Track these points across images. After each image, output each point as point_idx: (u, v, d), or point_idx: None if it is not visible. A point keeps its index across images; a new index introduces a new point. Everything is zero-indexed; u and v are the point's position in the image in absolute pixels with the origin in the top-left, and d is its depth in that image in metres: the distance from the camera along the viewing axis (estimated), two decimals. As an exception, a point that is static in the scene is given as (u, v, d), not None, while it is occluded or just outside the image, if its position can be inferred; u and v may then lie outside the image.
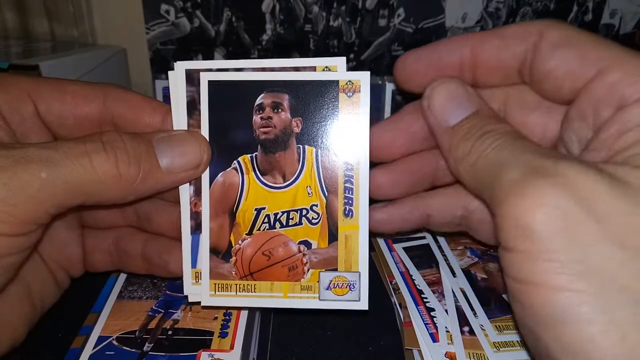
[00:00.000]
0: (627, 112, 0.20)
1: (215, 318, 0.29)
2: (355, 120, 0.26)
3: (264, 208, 0.27)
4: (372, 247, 0.35)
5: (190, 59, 0.55)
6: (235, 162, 0.27)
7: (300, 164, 0.27)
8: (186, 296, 0.28)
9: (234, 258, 0.27)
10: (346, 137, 0.26)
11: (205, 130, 0.26)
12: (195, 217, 0.27)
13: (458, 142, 0.24)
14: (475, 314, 0.30)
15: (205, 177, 0.27)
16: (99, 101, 0.26)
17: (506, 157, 0.21)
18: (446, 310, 0.30)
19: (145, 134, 0.25)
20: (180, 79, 0.26)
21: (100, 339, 0.28)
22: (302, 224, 0.27)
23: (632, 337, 0.17)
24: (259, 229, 0.27)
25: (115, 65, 0.51)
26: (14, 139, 0.25)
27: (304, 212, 0.27)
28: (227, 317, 0.29)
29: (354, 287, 0.27)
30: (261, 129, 0.26)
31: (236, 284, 0.27)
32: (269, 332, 0.30)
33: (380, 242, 0.36)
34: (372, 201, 0.27)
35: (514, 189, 0.19)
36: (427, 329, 0.29)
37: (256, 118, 0.26)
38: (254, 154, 0.27)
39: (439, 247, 0.36)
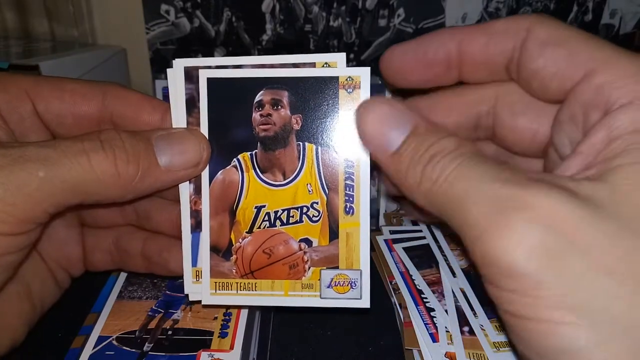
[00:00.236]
0: (614, 117, 0.19)
1: (215, 318, 0.29)
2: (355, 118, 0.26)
3: (264, 206, 0.27)
4: (372, 247, 0.35)
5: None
6: (235, 159, 0.27)
7: (301, 161, 0.26)
8: (187, 295, 0.28)
9: (234, 256, 0.27)
10: (346, 133, 0.26)
11: (204, 128, 0.26)
12: (195, 215, 0.27)
13: (405, 170, 0.22)
14: (475, 314, 0.30)
15: (205, 175, 0.26)
16: (97, 99, 0.26)
17: (466, 188, 0.19)
18: (446, 310, 0.30)
19: (144, 132, 0.25)
20: (179, 77, 0.26)
21: (100, 339, 0.28)
22: (302, 221, 0.27)
23: None
24: (259, 227, 0.27)
25: (115, 65, 0.51)
26: (12, 138, 0.25)
27: (305, 209, 0.27)
28: (227, 317, 0.29)
29: (356, 285, 0.26)
30: (261, 126, 0.26)
31: (237, 283, 0.27)
32: (269, 332, 0.30)
33: (380, 242, 0.36)
34: (373, 201, 0.27)
35: (486, 227, 0.18)
36: (427, 329, 0.29)
37: (256, 115, 0.26)
38: (253, 152, 0.27)
39: (439, 247, 0.36)
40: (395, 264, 0.34)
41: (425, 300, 0.31)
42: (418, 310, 0.30)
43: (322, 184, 0.26)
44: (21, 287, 0.26)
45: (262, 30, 0.54)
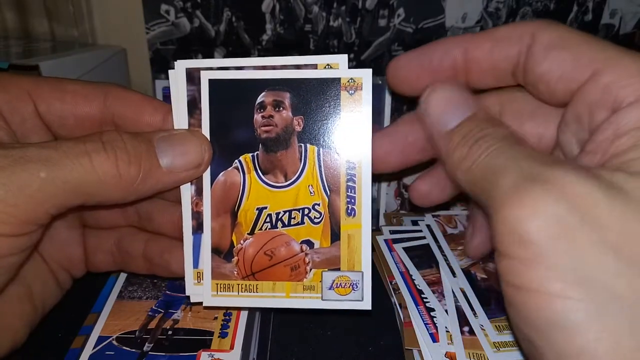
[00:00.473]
0: (622, 115, 0.20)
1: (215, 318, 0.29)
2: (358, 118, 0.26)
3: (265, 207, 0.27)
4: (372, 247, 0.35)
5: (190, 59, 0.55)
6: (236, 161, 0.27)
7: (302, 162, 0.26)
8: (188, 296, 0.28)
9: (235, 258, 0.27)
10: (348, 135, 0.26)
11: (206, 129, 0.26)
12: (197, 216, 0.27)
13: (454, 147, 0.23)
14: (475, 314, 0.30)
15: (207, 176, 0.26)
16: (99, 100, 0.26)
17: (501, 163, 0.20)
18: (446, 310, 0.30)
19: (146, 134, 0.25)
20: (180, 78, 0.26)
21: (100, 339, 0.28)
22: (304, 223, 0.27)
23: (625, 344, 0.16)
24: (260, 229, 0.27)
25: (115, 65, 0.51)
26: (14, 139, 0.25)
27: (306, 211, 0.27)
28: (227, 317, 0.29)
29: (357, 286, 0.26)
30: (262, 128, 0.26)
31: (238, 284, 0.27)
32: (269, 332, 0.30)
33: (380, 242, 0.36)
34: (373, 201, 0.27)
35: (509, 195, 0.19)
36: (427, 329, 0.29)
37: (257, 117, 0.26)
38: (255, 153, 0.26)
39: (439, 247, 0.36)
40: (395, 264, 0.34)
41: (425, 300, 0.31)
42: (418, 310, 0.30)
43: (323, 185, 0.26)
44: (22, 289, 0.26)
45: (262, 30, 0.54)
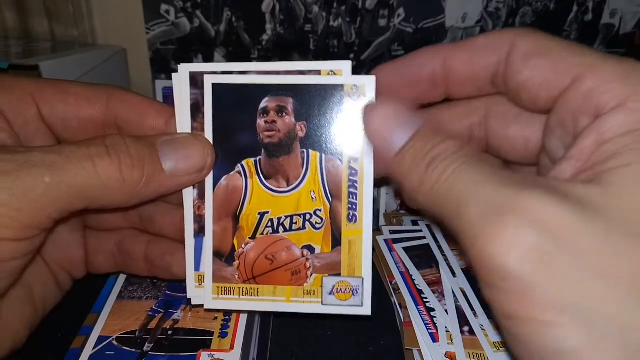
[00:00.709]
0: (604, 121, 0.20)
1: (215, 318, 0.29)
2: (360, 125, 0.26)
3: (267, 212, 0.27)
4: (373, 248, 0.35)
5: (190, 59, 0.55)
6: (239, 165, 0.27)
7: (304, 168, 0.26)
8: (189, 299, 0.28)
9: (237, 262, 0.27)
10: (351, 142, 0.26)
11: (209, 133, 0.26)
12: (199, 220, 0.27)
13: (408, 170, 0.22)
14: (475, 314, 0.30)
15: (209, 180, 0.26)
16: (102, 103, 0.26)
17: (464, 189, 0.19)
18: (446, 310, 0.30)
19: (149, 137, 0.25)
20: (184, 82, 0.26)
21: (100, 339, 0.28)
22: (305, 228, 0.27)
23: None
24: (262, 233, 0.27)
25: (115, 65, 0.51)
26: (17, 141, 0.25)
27: (308, 216, 0.27)
28: (227, 317, 0.29)
29: (357, 292, 0.27)
30: (265, 133, 0.26)
31: (239, 288, 0.27)
32: (269, 332, 0.30)
33: (381, 242, 0.36)
34: (373, 201, 0.27)
35: (480, 229, 0.18)
36: (427, 329, 0.29)
37: (260, 122, 0.26)
38: (257, 158, 0.26)
39: (439, 247, 0.36)
40: (395, 264, 0.34)
41: (425, 300, 0.31)
42: (418, 310, 0.30)
43: (325, 191, 0.26)
44: (23, 290, 0.26)
45: (262, 30, 0.54)
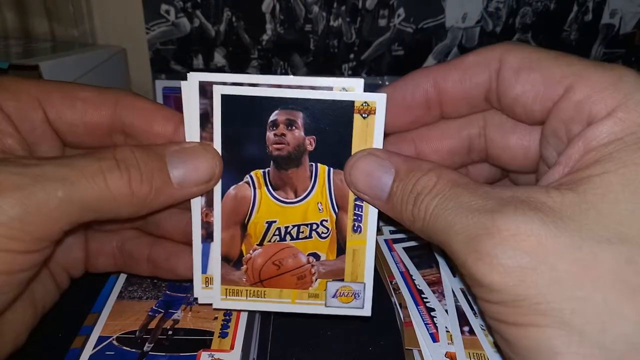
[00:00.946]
0: (592, 130, 0.20)
1: (215, 318, 0.29)
2: (369, 142, 0.26)
3: (275, 221, 0.27)
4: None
5: (191, 59, 0.55)
6: (247, 176, 0.27)
7: (312, 181, 0.27)
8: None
9: (244, 266, 0.28)
10: None
11: (217, 144, 0.26)
12: (206, 226, 0.27)
13: (399, 212, 0.24)
14: (475, 313, 0.30)
15: (218, 189, 0.27)
16: (109, 109, 0.26)
17: (446, 223, 0.21)
18: (446, 310, 0.30)
19: (158, 148, 0.25)
20: (193, 91, 0.25)
21: (100, 339, 0.28)
22: (311, 237, 0.27)
23: None
24: (269, 241, 0.28)
25: (115, 65, 0.51)
26: (25, 146, 0.25)
27: (314, 226, 0.27)
28: (227, 317, 0.29)
29: (359, 296, 0.28)
30: (274, 146, 0.26)
31: (246, 290, 0.28)
32: (269, 332, 0.30)
33: (381, 242, 0.36)
34: (380, 217, 0.27)
35: (466, 255, 0.20)
36: (427, 329, 0.29)
37: (269, 134, 0.26)
38: (266, 170, 0.27)
39: (440, 249, 0.36)
40: (396, 264, 0.34)
41: (425, 300, 0.31)
42: (418, 310, 0.30)
43: (332, 203, 0.27)
44: (25, 295, 0.26)
45: (262, 30, 0.54)
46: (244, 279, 0.28)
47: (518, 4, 0.55)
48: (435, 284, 0.32)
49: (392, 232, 0.37)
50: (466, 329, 0.29)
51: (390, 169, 0.25)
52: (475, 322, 0.29)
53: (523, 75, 0.23)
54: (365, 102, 0.25)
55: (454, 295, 0.31)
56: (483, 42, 0.56)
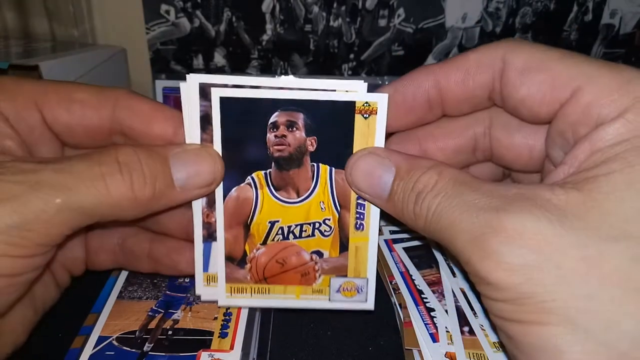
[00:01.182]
0: (600, 131, 0.20)
1: (215, 318, 0.29)
2: (371, 142, 0.26)
3: (277, 221, 0.27)
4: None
5: (191, 59, 0.55)
6: (249, 177, 0.27)
7: (314, 181, 0.27)
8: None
9: (248, 265, 0.28)
10: None
11: (218, 146, 0.26)
12: (208, 227, 0.27)
13: (400, 211, 0.24)
14: (475, 314, 0.30)
15: (219, 191, 0.27)
16: (108, 111, 0.26)
17: (450, 222, 0.21)
18: (446, 310, 0.30)
19: (161, 149, 0.25)
20: (193, 92, 0.25)
21: (100, 339, 0.28)
22: (314, 235, 0.28)
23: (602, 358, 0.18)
24: (272, 240, 0.28)
25: (115, 65, 0.51)
26: (24, 148, 0.25)
27: (317, 225, 0.28)
28: (227, 317, 0.29)
29: (362, 290, 0.28)
30: (275, 147, 0.26)
31: (251, 287, 0.28)
32: (269, 332, 0.30)
33: (381, 242, 0.36)
34: (382, 216, 0.27)
35: (471, 253, 0.20)
36: (427, 329, 0.29)
37: (270, 136, 0.26)
38: (267, 171, 0.27)
39: (439, 247, 0.36)
40: (395, 264, 0.34)
41: (425, 300, 0.31)
42: (418, 310, 0.30)
43: (334, 202, 0.27)
44: (26, 295, 0.26)
45: (262, 30, 0.54)
46: (249, 277, 0.28)
47: (518, 4, 0.55)
48: (435, 284, 0.32)
49: (392, 232, 0.37)
50: (466, 329, 0.29)
51: (390, 168, 0.24)
52: (475, 322, 0.29)
53: (528, 76, 0.23)
54: (367, 103, 0.25)
55: (454, 296, 0.31)
56: (483, 42, 0.56)
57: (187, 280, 0.32)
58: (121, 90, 0.27)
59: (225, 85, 0.25)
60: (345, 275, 0.28)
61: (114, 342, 0.28)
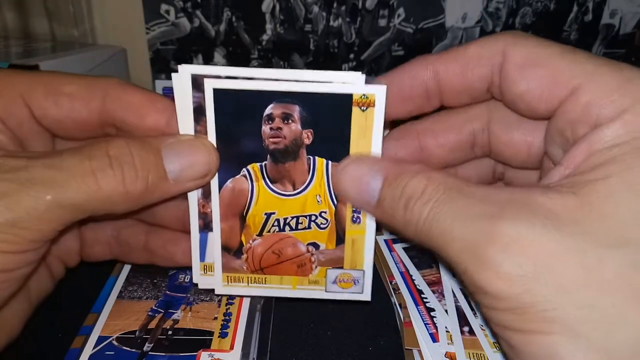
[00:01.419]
0: (598, 132, 0.20)
1: (215, 318, 0.29)
2: (368, 135, 0.25)
3: (273, 213, 0.27)
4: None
5: (191, 58, 0.55)
6: (244, 169, 0.27)
7: (310, 174, 0.27)
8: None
9: (245, 255, 0.28)
10: (356, 149, 0.26)
11: (212, 138, 0.26)
12: (204, 217, 0.27)
13: (389, 217, 0.23)
14: (475, 313, 0.30)
15: (214, 183, 0.27)
16: (97, 104, 0.25)
17: (442, 230, 0.21)
18: (446, 310, 0.30)
19: (153, 141, 0.24)
20: (185, 83, 0.25)
21: (100, 339, 0.28)
22: (311, 228, 0.28)
23: None
24: (269, 231, 0.28)
25: (115, 65, 0.51)
26: (16, 141, 0.25)
27: (313, 217, 0.27)
28: (227, 317, 0.29)
29: (358, 282, 0.28)
30: (271, 139, 0.26)
31: (248, 277, 0.29)
32: (269, 332, 0.30)
33: (380, 242, 0.36)
34: None
35: (468, 263, 0.20)
36: (427, 329, 0.29)
37: (265, 128, 0.26)
38: (263, 163, 0.26)
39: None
40: (395, 264, 0.34)
41: (425, 300, 0.31)
42: (418, 310, 0.30)
43: (331, 195, 0.27)
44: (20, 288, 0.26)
45: (262, 30, 0.54)
46: (245, 267, 0.28)
47: (518, 4, 0.55)
48: (435, 284, 0.32)
49: (392, 232, 0.37)
50: (466, 329, 0.29)
51: (378, 174, 0.24)
52: (475, 322, 0.29)
53: (529, 72, 0.22)
54: (364, 95, 0.25)
55: (454, 295, 0.31)
56: (483, 42, 0.56)
57: (187, 280, 0.32)
58: (112, 80, 0.26)
59: (219, 76, 0.24)
60: (342, 267, 0.28)
61: (114, 342, 0.28)
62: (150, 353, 0.27)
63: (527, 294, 0.18)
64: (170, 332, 0.28)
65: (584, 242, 0.18)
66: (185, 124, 0.25)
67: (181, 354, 0.27)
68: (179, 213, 0.28)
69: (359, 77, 0.25)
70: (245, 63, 0.56)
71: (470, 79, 0.25)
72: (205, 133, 0.26)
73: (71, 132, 0.26)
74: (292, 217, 0.27)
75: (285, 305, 0.31)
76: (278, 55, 0.55)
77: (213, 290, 0.29)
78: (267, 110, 0.25)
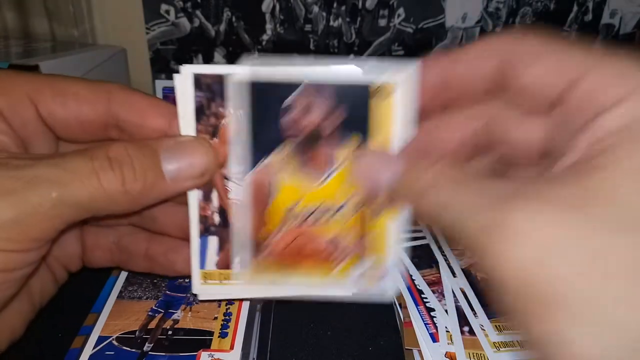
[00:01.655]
0: (601, 119, 0.20)
1: (215, 318, 0.29)
2: (391, 123, 0.25)
3: (295, 205, 0.27)
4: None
5: (191, 58, 0.55)
6: (264, 161, 0.27)
7: (332, 165, 0.26)
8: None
9: (264, 252, 0.28)
10: (378, 140, 0.26)
11: (232, 130, 0.26)
12: (204, 221, 0.27)
13: (404, 207, 0.24)
14: (475, 314, 0.30)
15: (243, 175, 0.26)
16: (102, 105, 0.26)
17: (453, 215, 0.21)
18: (446, 310, 0.30)
19: (152, 143, 0.25)
20: (188, 83, 0.25)
21: (100, 339, 0.28)
22: (333, 220, 0.27)
23: None
24: (289, 226, 0.27)
25: (115, 65, 0.51)
26: (19, 143, 0.25)
27: (336, 209, 0.27)
28: (227, 317, 0.29)
29: (383, 279, 0.27)
30: (291, 130, 0.26)
31: (267, 275, 0.28)
32: (269, 332, 0.30)
33: (380, 242, 0.36)
34: None
35: (476, 249, 0.20)
36: (427, 329, 0.29)
37: (286, 118, 0.26)
38: (284, 154, 0.27)
39: (439, 247, 0.36)
40: (395, 264, 0.34)
41: (425, 300, 0.31)
42: (418, 310, 0.30)
43: (353, 186, 0.27)
44: (22, 289, 0.26)
45: (262, 30, 0.54)
46: (265, 264, 0.28)
47: (518, 4, 0.55)
48: (435, 284, 0.32)
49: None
50: (466, 329, 0.29)
51: (391, 164, 0.25)
52: (475, 322, 0.29)
53: (532, 64, 0.23)
54: (387, 83, 0.25)
55: (454, 296, 0.31)
56: (483, 42, 0.56)
57: (187, 280, 0.32)
58: (115, 84, 0.27)
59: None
60: (365, 264, 0.28)
61: (114, 342, 0.28)
62: (150, 353, 0.27)
63: (534, 279, 0.19)
64: (170, 332, 0.28)
65: (591, 228, 0.18)
66: (187, 124, 0.26)
67: (181, 354, 0.27)
68: (179, 219, 0.28)
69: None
70: (245, 63, 0.56)
71: (477, 74, 0.25)
72: (207, 132, 0.26)
73: (76, 134, 0.27)
74: (314, 210, 0.27)
75: (285, 306, 0.31)
76: (278, 55, 0.55)
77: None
78: (288, 100, 0.25)
